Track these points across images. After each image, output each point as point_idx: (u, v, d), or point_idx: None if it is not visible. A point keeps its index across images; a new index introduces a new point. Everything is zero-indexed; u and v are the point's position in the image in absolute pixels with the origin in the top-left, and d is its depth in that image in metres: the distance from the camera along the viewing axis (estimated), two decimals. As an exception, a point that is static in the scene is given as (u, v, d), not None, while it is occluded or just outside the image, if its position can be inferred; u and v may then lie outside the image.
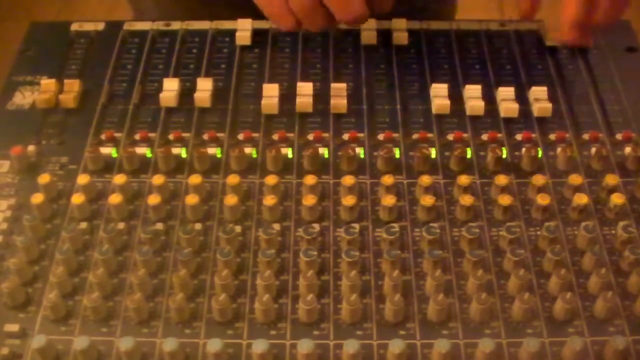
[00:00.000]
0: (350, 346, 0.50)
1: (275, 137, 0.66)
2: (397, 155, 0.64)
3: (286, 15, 0.66)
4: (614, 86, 0.71)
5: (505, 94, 0.68)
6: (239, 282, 0.56)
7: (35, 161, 0.64)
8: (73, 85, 0.69)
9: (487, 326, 0.53)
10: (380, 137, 0.66)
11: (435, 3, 0.94)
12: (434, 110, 0.68)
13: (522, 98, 0.68)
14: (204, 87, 0.69)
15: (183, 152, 0.65)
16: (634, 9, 0.78)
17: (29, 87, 0.71)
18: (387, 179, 0.61)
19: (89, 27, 0.77)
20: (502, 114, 0.67)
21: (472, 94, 0.68)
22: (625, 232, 0.58)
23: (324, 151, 0.65)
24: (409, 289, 0.56)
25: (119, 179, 0.61)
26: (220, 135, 0.66)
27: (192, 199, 0.59)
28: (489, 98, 0.68)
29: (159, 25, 0.77)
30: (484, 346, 0.50)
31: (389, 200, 0.59)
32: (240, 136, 0.66)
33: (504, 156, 0.64)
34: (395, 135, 0.66)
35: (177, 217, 0.60)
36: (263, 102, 0.68)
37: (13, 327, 0.53)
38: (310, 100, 0.68)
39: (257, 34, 0.76)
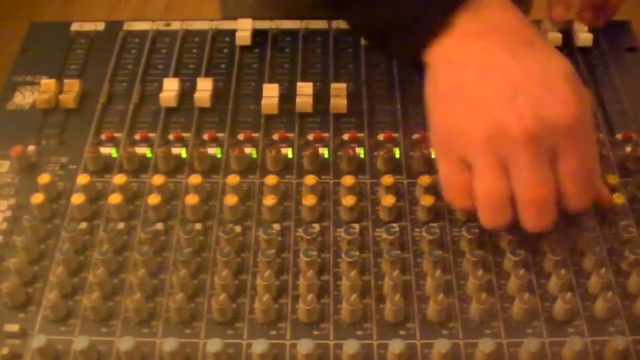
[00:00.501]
0: (350, 346, 0.50)
1: (275, 137, 0.66)
2: (397, 155, 0.64)
3: (465, 198, 0.56)
4: (614, 86, 0.71)
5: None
6: (239, 282, 0.56)
7: (35, 161, 0.64)
8: (73, 85, 0.69)
9: (487, 326, 0.53)
10: (380, 137, 0.66)
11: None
12: (434, 110, 0.68)
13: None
14: (204, 87, 0.69)
15: (183, 152, 0.65)
16: (634, 9, 0.78)
17: (29, 87, 0.71)
18: (387, 179, 0.61)
19: (89, 27, 0.77)
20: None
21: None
22: (625, 232, 0.57)
23: (324, 151, 0.65)
24: (409, 289, 0.55)
25: (119, 179, 0.61)
26: (220, 135, 0.66)
27: (192, 199, 0.59)
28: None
29: (159, 25, 0.77)
30: (484, 346, 0.50)
31: (389, 200, 0.59)
32: (240, 136, 0.66)
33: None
34: (395, 135, 0.66)
35: (177, 217, 0.60)
36: (263, 102, 0.68)
37: (13, 327, 0.53)
38: (310, 100, 0.68)
39: (257, 34, 0.76)
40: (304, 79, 0.71)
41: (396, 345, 0.51)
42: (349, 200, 0.59)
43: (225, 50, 0.75)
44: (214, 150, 0.65)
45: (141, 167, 0.64)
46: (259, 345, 0.50)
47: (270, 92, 0.68)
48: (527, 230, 0.54)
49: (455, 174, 0.56)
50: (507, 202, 0.53)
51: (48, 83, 0.69)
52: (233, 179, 0.61)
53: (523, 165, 0.52)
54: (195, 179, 0.61)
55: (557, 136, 0.52)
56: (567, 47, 0.74)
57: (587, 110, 0.54)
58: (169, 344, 0.51)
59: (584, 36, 0.74)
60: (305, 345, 0.50)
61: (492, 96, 0.53)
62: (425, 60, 0.59)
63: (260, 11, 0.86)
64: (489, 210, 0.54)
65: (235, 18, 0.76)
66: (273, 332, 0.53)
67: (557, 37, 0.74)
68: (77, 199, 0.60)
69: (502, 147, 0.53)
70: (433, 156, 0.64)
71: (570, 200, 0.54)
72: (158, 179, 0.61)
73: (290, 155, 0.65)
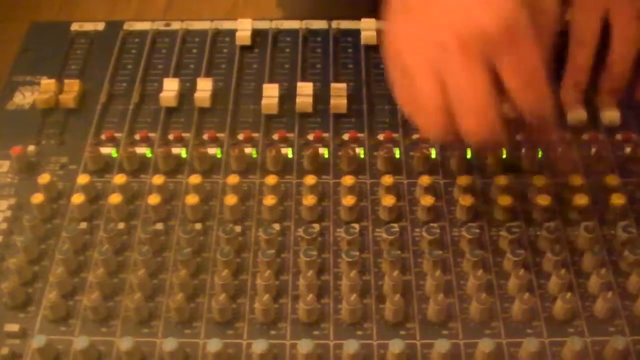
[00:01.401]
0: (350, 346, 0.50)
1: (275, 137, 0.66)
2: (397, 155, 0.64)
3: (409, 103, 0.58)
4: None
5: (505, 94, 0.68)
6: (239, 282, 0.56)
7: (35, 161, 0.64)
8: (73, 85, 0.69)
9: (487, 326, 0.53)
10: (380, 137, 0.66)
11: None
12: (434, 110, 0.68)
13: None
14: (204, 87, 0.69)
15: (183, 152, 0.65)
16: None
17: (29, 87, 0.71)
18: (387, 179, 0.61)
19: (89, 27, 0.77)
20: (502, 114, 0.67)
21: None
22: (625, 233, 0.58)
23: (324, 151, 0.65)
24: (409, 289, 0.55)
25: (119, 179, 0.61)
26: (220, 135, 0.66)
27: (192, 199, 0.59)
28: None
29: (159, 25, 0.77)
30: (484, 346, 0.50)
31: (389, 200, 0.59)
32: (240, 136, 0.66)
33: (504, 156, 0.63)
34: (395, 135, 0.66)
35: (177, 217, 0.60)
36: (263, 102, 0.68)
37: (13, 327, 0.53)
38: (310, 100, 0.68)
39: (257, 34, 0.76)
40: (304, 79, 0.71)
41: (396, 345, 0.51)
42: (349, 200, 0.59)
43: (225, 50, 0.75)
44: (214, 150, 0.65)
45: (141, 167, 0.64)
46: (259, 345, 0.50)
47: (270, 92, 0.68)
48: (470, 143, 0.55)
49: (403, 81, 0.57)
50: (440, 110, 0.54)
51: (48, 83, 0.69)
52: (233, 179, 0.61)
53: (456, 72, 0.54)
54: (195, 179, 0.61)
55: (490, 42, 0.53)
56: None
57: (523, 14, 0.53)
58: (169, 344, 0.51)
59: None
60: (305, 345, 0.50)
61: (432, 10, 0.56)
62: None
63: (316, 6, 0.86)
64: (422, 115, 0.56)
65: (292, 13, 0.76)
66: (273, 332, 0.53)
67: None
68: (77, 199, 0.60)
69: (439, 58, 0.54)
70: (433, 156, 0.64)
71: (517, 100, 0.54)
72: (158, 179, 0.61)
73: (290, 155, 0.65)
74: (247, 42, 0.75)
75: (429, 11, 0.56)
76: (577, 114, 0.67)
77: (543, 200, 0.59)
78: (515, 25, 0.53)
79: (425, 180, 0.61)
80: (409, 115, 0.58)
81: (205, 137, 0.66)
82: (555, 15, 0.57)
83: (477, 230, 0.58)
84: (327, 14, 0.78)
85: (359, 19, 0.76)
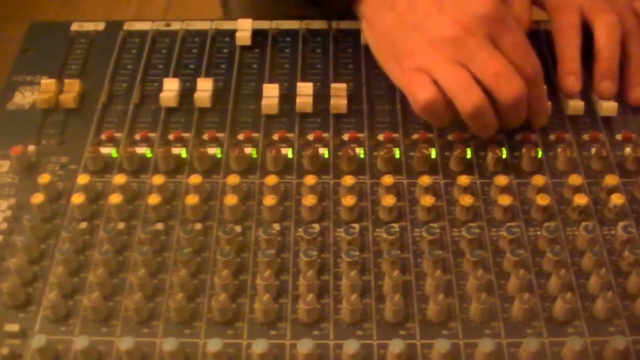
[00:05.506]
0: (350, 346, 0.50)
1: (275, 137, 0.66)
2: (397, 155, 0.64)
3: (429, 86, 0.62)
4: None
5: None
6: (239, 282, 0.56)
7: (35, 161, 0.64)
8: (73, 85, 0.69)
9: (487, 326, 0.53)
10: (380, 137, 0.66)
11: None
12: (434, 111, 0.68)
13: (522, 98, 0.68)
14: (204, 87, 0.69)
15: (183, 152, 0.65)
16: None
17: (29, 87, 0.71)
18: (387, 179, 0.61)
19: (89, 27, 0.77)
20: (502, 114, 0.67)
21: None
22: (625, 233, 0.58)
23: (324, 151, 0.65)
24: (409, 289, 0.56)
25: (119, 179, 0.61)
26: (220, 135, 0.66)
27: (192, 199, 0.59)
28: (489, 98, 0.68)
29: (159, 25, 0.77)
30: (484, 346, 0.50)
31: (389, 200, 0.59)
32: (240, 136, 0.66)
33: (504, 156, 0.64)
34: (395, 135, 0.66)
35: (177, 217, 0.60)
36: (263, 102, 0.68)
37: (13, 327, 0.53)
38: (310, 100, 0.68)
39: (257, 34, 0.76)
40: (304, 79, 0.71)
41: (396, 345, 0.51)
42: (349, 200, 0.59)
43: (225, 50, 0.75)
44: (214, 150, 0.65)
45: (141, 167, 0.64)
46: (259, 345, 0.50)
47: (270, 92, 0.68)
48: (505, 103, 0.61)
49: (415, 74, 0.63)
50: (473, 83, 0.61)
51: (48, 83, 0.69)
52: (233, 179, 0.61)
53: (473, 52, 0.61)
54: (195, 179, 0.61)
55: (486, 24, 0.61)
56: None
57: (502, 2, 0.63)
58: (169, 344, 0.51)
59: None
60: (305, 345, 0.51)
61: (424, 15, 0.63)
62: (359, 13, 0.71)
63: (261, 11, 0.86)
64: (460, 92, 0.61)
65: (235, 18, 0.77)
66: (273, 332, 0.53)
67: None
68: (77, 199, 0.60)
69: (451, 49, 0.61)
70: (433, 156, 0.64)
71: (520, 69, 0.61)
72: (158, 179, 0.61)
73: (290, 155, 0.65)
74: (247, 42, 0.75)
75: (424, 20, 0.63)
76: (574, 104, 0.67)
77: (543, 200, 0.59)
78: (502, 9, 0.62)
79: (425, 180, 0.61)
80: (426, 95, 0.61)
81: (205, 137, 0.66)
82: (526, 23, 0.68)
83: (477, 230, 0.58)
84: (270, 15, 0.78)
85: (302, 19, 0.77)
